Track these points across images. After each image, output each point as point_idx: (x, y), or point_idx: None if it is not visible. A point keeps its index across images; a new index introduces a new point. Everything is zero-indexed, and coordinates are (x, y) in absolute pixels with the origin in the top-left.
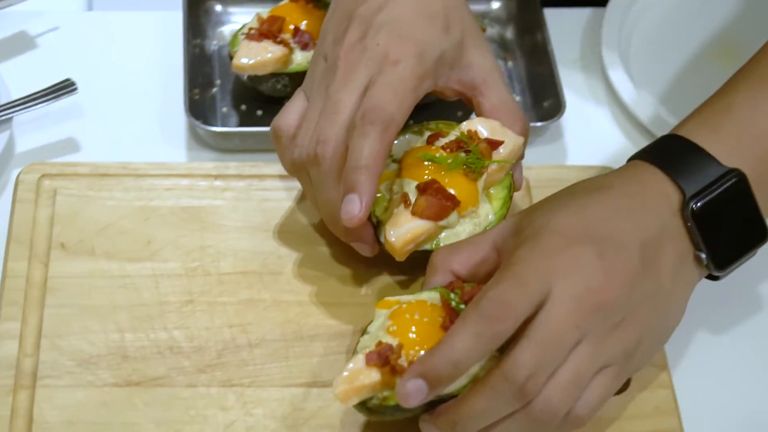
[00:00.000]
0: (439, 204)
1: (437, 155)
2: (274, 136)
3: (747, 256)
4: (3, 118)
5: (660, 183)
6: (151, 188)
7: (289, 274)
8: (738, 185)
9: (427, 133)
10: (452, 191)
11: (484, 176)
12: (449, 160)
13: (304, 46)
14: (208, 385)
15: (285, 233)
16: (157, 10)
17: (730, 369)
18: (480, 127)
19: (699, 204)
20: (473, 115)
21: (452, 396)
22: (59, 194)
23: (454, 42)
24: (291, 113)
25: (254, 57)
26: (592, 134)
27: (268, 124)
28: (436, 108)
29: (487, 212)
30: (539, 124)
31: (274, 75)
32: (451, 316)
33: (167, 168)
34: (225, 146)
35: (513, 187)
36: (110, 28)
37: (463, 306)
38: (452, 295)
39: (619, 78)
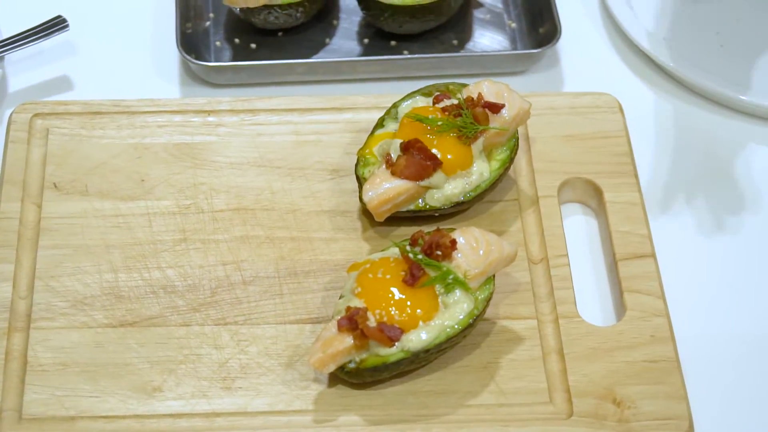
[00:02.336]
0: (419, 163)
1: (430, 117)
2: None
3: None
4: None
5: None
6: (144, 125)
7: (282, 209)
8: None
9: (436, 94)
10: (439, 152)
11: (481, 139)
12: (439, 123)
13: None
14: (202, 323)
15: (278, 168)
16: None
17: (724, 297)
18: (486, 89)
19: None
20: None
21: (427, 355)
22: (52, 133)
23: None
24: None
25: None
26: (589, 60)
27: (261, 58)
28: (458, 64)
29: (482, 171)
30: (535, 51)
31: (266, 7)
32: (412, 269)
33: (160, 105)
34: (218, 80)
35: (516, 149)
36: None
37: (421, 256)
38: (408, 248)
39: (616, 1)
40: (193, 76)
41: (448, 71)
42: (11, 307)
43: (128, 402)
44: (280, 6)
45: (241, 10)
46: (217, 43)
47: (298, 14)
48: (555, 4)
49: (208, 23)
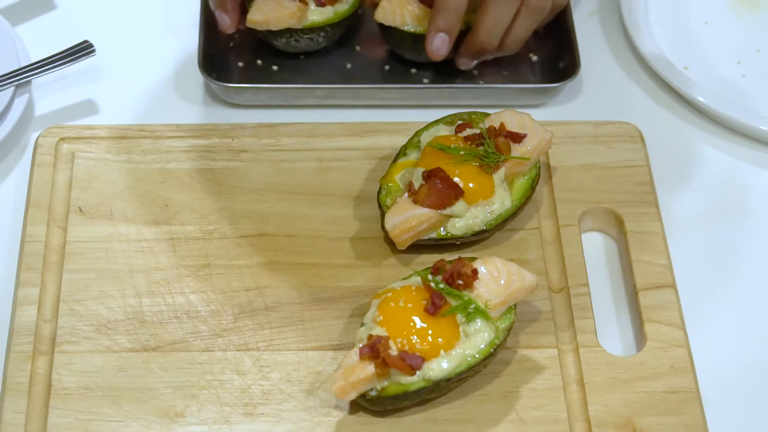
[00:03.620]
0: (441, 192)
1: (452, 146)
2: None
3: None
4: (22, 81)
5: None
6: (169, 150)
7: (304, 235)
8: None
9: (459, 123)
10: (461, 181)
11: (503, 169)
12: (461, 152)
13: (320, 3)
14: (225, 349)
15: (301, 194)
16: None
17: (745, 328)
18: (508, 118)
19: None
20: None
21: (447, 383)
22: (77, 158)
23: None
24: None
25: (269, 13)
26: (610, 89)
27: (282, 80)
28: (478, 95)
29: (503, 200)
30: (555, 85)
31: (288, 30)
32: (433, 297)
33: (184, 130)
34: (238, 101)
35: (538, 179)
36: None
37: (443, 285)
38: (430, 277)
39: (638, 31)
40: (215, 97)
41: (467, 101)
42: (36, 330)
43: (151, 427)
44: (302, 30)
45: (263, 32)
46: (240, 64)
47: (320, 39)
48: (575, 37)
49: (231, 44)
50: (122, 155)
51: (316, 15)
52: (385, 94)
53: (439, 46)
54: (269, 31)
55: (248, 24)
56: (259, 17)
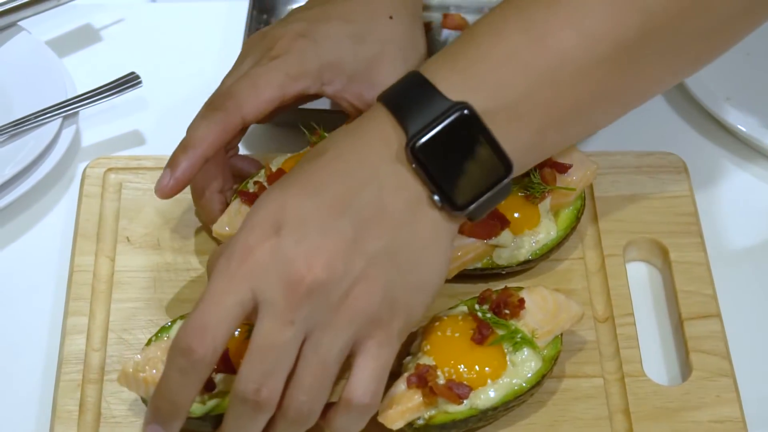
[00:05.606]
0: (487, 223)
1: None
2: None
3: (491, 192)
4: (69, 112)
5: (385, 127)
6: None
7: None
8: (463, 119)
9: None
10: (506, 211)
11: (548, 199)
12: None
13: None
14: None
15: None
16: (221, 0)
17: None
18: None
19: (420, 141)
20: None
21: (494, 412)
22: (125, 188)
23: (363, 56)
24: None
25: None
26: (652, 120)
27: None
28: None
29: (549, 230)
30: None
31: None
32: (480, 327)
33: None
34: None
35: (583, 209)
36: (174, 19)
37: (489, 315)
38: (477, 306)
39: None
40: (258, 126)
41: None
42: (85, 359)
43: None
44: None
45: None
46: None
47: None
48: None
49: None
50: None
51: None
52: None
53: None
54: None
55: (214, 234)
56: (227, 231)
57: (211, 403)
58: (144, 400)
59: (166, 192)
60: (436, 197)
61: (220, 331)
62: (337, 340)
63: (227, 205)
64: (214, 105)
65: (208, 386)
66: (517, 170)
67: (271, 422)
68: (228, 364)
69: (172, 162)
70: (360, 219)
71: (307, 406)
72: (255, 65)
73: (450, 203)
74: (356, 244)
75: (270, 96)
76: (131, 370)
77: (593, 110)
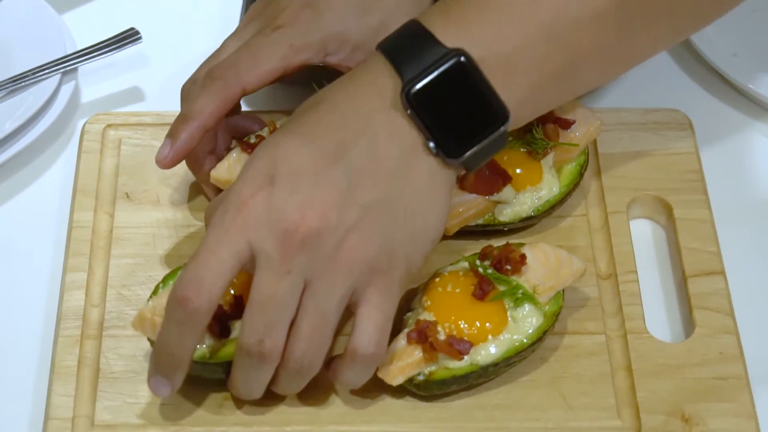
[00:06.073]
0: (489, 179)
1: None
2: None
3: (486, 141)
4: (68, 68)
5: (381, 75)
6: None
7: None
8: (459, 65)
9: None
10: (508, 167)
11: (551, 155)
12: (509, 138)
13: None
14: None
15: None
16: None
17: None
18: None
19: (416, 87)
20: None
21: (495, 368)
22: (124, 144)
23: (368, 26)
24: None
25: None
26: (657, 77)
27: None
28: None
29: (551, 186)
30: None
31: None
32: (481, 282)
33: None
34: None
35: (586, 166)
36: None
37: (491, 271)
38: (478, 262)
39: None
40: None
41: None
42: (84, 315)
43: (199, 411)
44: None
45: None
46: None
47: None
48: None
49: None
50: None
51: None
52: None
53: (156, 387)
54: None
55: (211, 180)
56: (223, 176)
57: (227, 349)
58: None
59: (165, 163)
60: (431, 144)
61: (216, 283)
62: (335, 290)
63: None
64: (213, 75)
65: (223, 332)
66: (512, 124)
67: (275, 373)
68: (242, 310)
69: (172, 133)
70: (354, 169)
71: (308, 357)
72: (258, 34)
73: (445, 150)
74: (350, 194)
75: (271, 67)
76: (148, 314)
77: (589, 67)
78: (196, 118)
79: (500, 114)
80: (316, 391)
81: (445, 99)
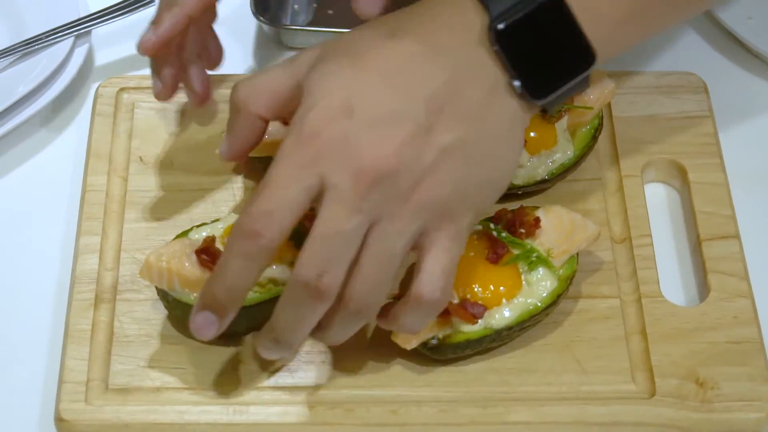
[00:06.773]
0: None
1: None
2: None
3: (571, 83)
4: (82, 31)
5: (465, 9)
6: (228, 99)
7: None
8: (550, 4)
9: None
10: None
11: (565, 118)
12: None
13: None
14: None
15: None
16: None
17: None
18: None
19: (504, 24)
20: None
21: (509, 332)
22: (138, 108)
23: None
24: None
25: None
26: (672, 40)
27: (337, 24)
28: None
29: (565, 149)
30: None
31: None
32: (494, 246)
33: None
34: (291, 43)
35: (600, 129)
36: None
37: (504, 234)
38: (492, 225)
39: None
40: (269, 41)
41: None
42: (98, 278)
43: (211, 374)
44: None
45: None
46: (296, 6)
47: None
48: None
49: None
50: (182, 105)
51: None
52: None
53: (202, 324)
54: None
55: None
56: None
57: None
58: (163, 296)
59: (147, 47)
60: (516, 83)
61: (287, 217)
62: (404, 231)
63: (208, 81)
64: None
65: None
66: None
67: (327, 316)
68: None
69: (156, 19)
70: (435, 107)
71: (370, 298)
72: None
73: (530, 91)
74: (429, 134)
75: None
76: (154, 260)
77: (668, 4)
78: (181, 3)
79: (588, 54)
80: (330, 356)
81: (534, 37)
